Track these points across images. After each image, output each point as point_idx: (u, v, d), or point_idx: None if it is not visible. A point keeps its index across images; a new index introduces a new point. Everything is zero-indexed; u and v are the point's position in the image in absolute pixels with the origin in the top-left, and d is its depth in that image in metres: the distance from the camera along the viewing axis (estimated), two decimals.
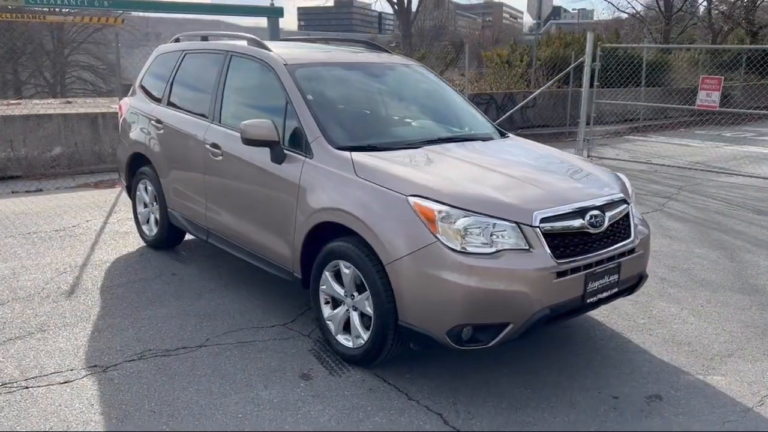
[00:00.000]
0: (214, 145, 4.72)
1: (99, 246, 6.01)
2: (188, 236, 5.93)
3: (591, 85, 11.09)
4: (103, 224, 6.75)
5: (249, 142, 4.13)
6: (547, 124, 15.06)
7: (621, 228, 3.80)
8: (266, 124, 4.08)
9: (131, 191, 6.10)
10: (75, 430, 3.18)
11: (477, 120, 4.97)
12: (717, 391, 3.68)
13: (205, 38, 5.60)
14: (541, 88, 13.02)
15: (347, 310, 3.84)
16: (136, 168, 5.92)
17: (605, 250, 3.62)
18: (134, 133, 5.84)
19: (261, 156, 4.27)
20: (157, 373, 3.72)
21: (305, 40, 5.92)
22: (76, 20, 13.63)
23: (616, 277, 3.71)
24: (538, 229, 3.36)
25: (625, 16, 33.55)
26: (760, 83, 19.82)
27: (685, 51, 22.64)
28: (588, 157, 11.02)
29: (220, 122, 4.82)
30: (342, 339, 3.88)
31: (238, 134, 4.42)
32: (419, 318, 3.39)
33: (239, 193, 4.55)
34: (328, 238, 3.94)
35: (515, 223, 3.34)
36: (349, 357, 3.83)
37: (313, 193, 3.93)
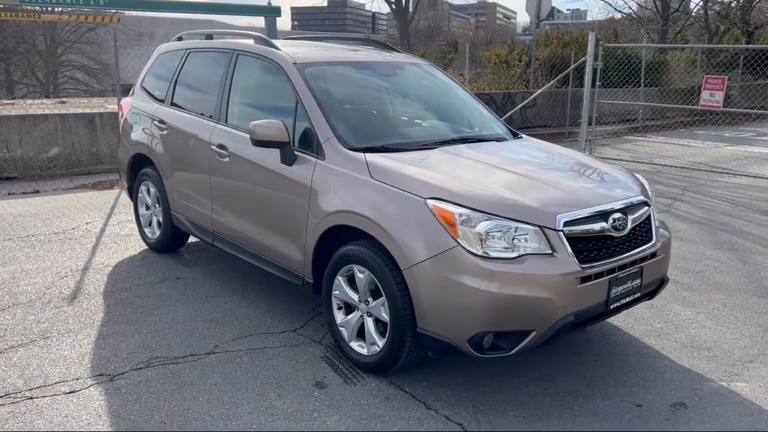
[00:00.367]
0: (221, 146, 4.60)
1: (100, 249, 5.88)
2: (191, 239, 5.81)
3: (593, 85, 11.02)
4: (103, 226, 6.61)
5: (258, 143, 4.01)
6: (547, 124, 14.97)
7: (643, 231, 3.70)
8: (276, 125, 3.96)
9: (132, 193, 5.97)
10: None
11: (489, 120, 4.87)
12: (742, 398, 3.58)
13: (209, 37, 5.47)
14: (543, 88, 12.94)
15: (361, 316, 3.73)
16: (138, 169, 5.79)
17: (628, 253, 3.53)
18: (136, 134, 5.71)
19: (270, 157, 4.16)
20: (166, 381, 3.60)
21: (311, 38, 5.79)
22: (72, 19, 13.44)
23: (638, 281, 3.61)
24: (561, 232, 3.26)
25: (619, 16, 33.63)
26: (757, 83, 19.83)
27: (682, 51, 22.64)
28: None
29: (226, 123, 4.70)
30: (356, 346, 3.77)
31: (246, 135, 4.32)
32: (439, 325, 3.28)
33: (247, 195, 4.43)
34: (341, 242, 3.83)
35: (538, 226, 3.24)
36: (364, 364, 3.72)
37: (325, 195, 3.81)
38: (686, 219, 7.43)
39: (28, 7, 13.22)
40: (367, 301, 3.65)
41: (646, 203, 3.81)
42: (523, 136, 4.77)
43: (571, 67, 12.12)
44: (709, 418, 3.39)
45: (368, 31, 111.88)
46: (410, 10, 28.60)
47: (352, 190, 3.68)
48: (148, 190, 5.70)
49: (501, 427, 3.25)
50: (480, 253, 3.16)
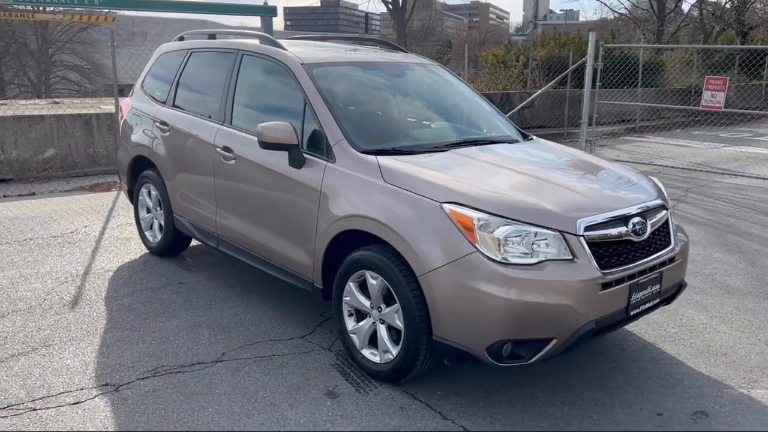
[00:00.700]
0: (226, 149, 4.49)
1: (100, 253, 5.76)
2: (193, 242, 5.70)
3: (593, 86, 10.95)
4: (102, 230, 6.49)
5: (266, 145, 3.91)
6: (545, 125, 14.91)
7: (661, 235, 3.62)
8: (285, 127, 3.86)
9: (133, 196, 5.86)
10: None
11: (499, 121, 4.78)
12: (763, 405, 3.51)
13: (212, 37, 5.36)
14: (543, 88, 12.88)
15: (373, 323, 3.63)
16: (139, 172, 5.68)
17: (648, 258, 3.45)
18: (137, 136, 5.60)
19: (277, 160, 4.06)
20: (174, 391, 3.49)
21: (314, 38, 5.68)
22: (66, 18, 13.28)
23: (658, 287, 3.53)
24: (582, 238, 3.17)
25: (611, 17, 33.68)
26: (752, 83, 19.85)
27: (676, 51, 22.65)
28: None
29: (231, 124, 4.59)
30: (368, 354, 3.68)
31: (252, 137, 4.24)
32: (456, 333, 3.19)
33: (254, 198, 4.33)
34: (351, 247, 3.74)
35: (558, 231, 3.15)
36: (376, 373, 3.62)
37: (336, 199, 3.72)
38: (691, 221, 7.37)
39: (20, 7, 13.06)
40: (380, 307, 3.55)
41: (663, 207, 3.73)
42: (533, 137, 4.69)
43: (572, 67, 12.06)
44: (731, 426, 3.31)
45: (361, 31, 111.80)
46: (407, 10, 28.51)
47: (364, 193, 3.58)
48: (149, 192, 5.58)
49: None
50: (499, 259, 3.07)
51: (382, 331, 3.57)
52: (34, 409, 3.29)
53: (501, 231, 3.11)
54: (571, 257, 3.15)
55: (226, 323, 4.35)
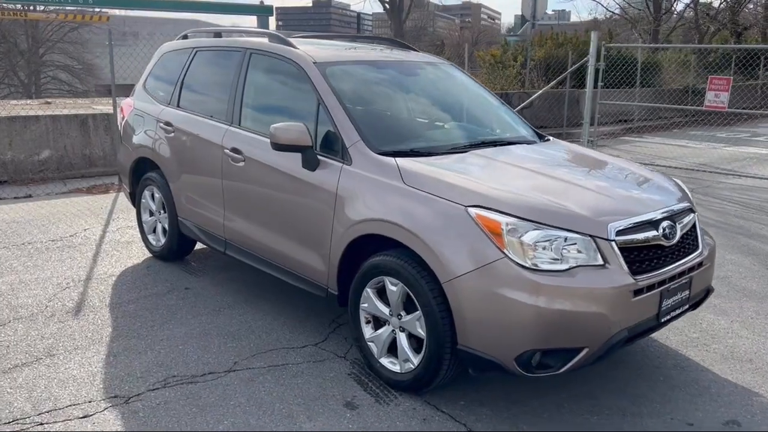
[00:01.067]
0: (235, 150, 4.35)
1: (101, 257, 5.60)
2: (197, 246, 5.56)
3: (595, 86, 10.87)
4: (102, 233, 6.34)
5: (279, 147, 3.78)
6: (544, 125, 14.81)
7: (690, 239, 3.52)
8: (298, 128, 3.73)
9: (135, 198, 5.71)
10: None
11: (514, 122, 4.67)
12: None
13: (218, 35, 5.22)
14: (544, 89, 12.78)
15: (393, 330, 3.50)
16: (141, 174, 5.52)
17: (677, 263, 3.34)
18: (139, 137, 5.45)
19: (290, 162, 3.93)
20: (186, 403, 3.35)
21: (323, 37, 5.54)
22: (60, 17, 13.09)
23: (687, 293, 3.42)
24: (614, 242, 3.06)
25: (602, 17, 33.74)
26: (748, 83, 19.85)
27: (673, 51, 22.64)
28: None
29: (239, 125, 4.45)
30: (387, 362, 3.55)
31: (263, 138, 4.12)
32: (483, 342, 3.06)
33: (264, 201, 4.19)
34: (368, 252, 3.62)
35: (589, 236, 3.03)
36: (396, 383, 3.49)
37: (353, 202, 3.59)
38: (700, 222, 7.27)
39: (10, 6, 12.86)
40: (400, 315, 3.43)
41: (691, 209, 3.63)
42: (550, 138, 4.57)
43: (574, 67, 11.97)
44: None
45: (353, 31, 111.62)
46: (404, 9, 28.36)
47: (384, 197, 3.46)
48: (153, 195, 5.43)
49: None
50: (529, 265, 2.95)
51: (403, 340, 3.44)
52: (41, 423, 3.15)
53: (530, 236, 2.99)
54: (602, 263, 3.03)
55: (236, 330, 4.21)
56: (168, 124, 5.08)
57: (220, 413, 3.27)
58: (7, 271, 5.22)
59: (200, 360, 3.81)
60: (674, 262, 3.31)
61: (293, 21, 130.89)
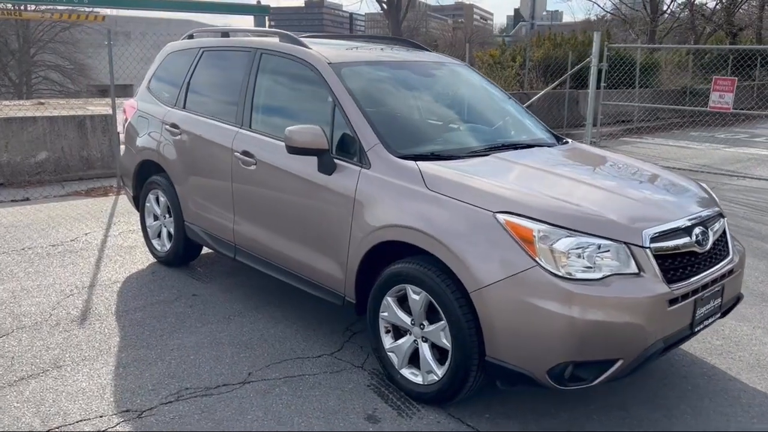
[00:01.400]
0: (246, 153, 4.22)
1: (104, 263, 5.46)
2: (203, 250, 5.42)
3: (597, 86, 10.79)
4: (104, 237, 6.19)
5: (294, 150, 3.65)
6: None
7: (721, 245, 3.41)
8: (314, 131, 3.60)
9: (138, 202, 5.56)
10: None
11: (531, 123, 4.56)
12: None
13: (225, 35, 5.09)
14: (547, 89, 12.69)
15: (415, 341, 3.38)
16: (146, 177, 5.38)
17: (710, 270, 3.23)
18: (143, 139, 5.31)
19: (304, 166, 3.81)
20: (201, 417, 3.22)
21: (331, 37, 5.40)
22: (55, 17, 12.90)
23: (719, 301, 3.32)
24: (648, 250, 2.95)
25: (594, 18, 33.84)
26: (745, 84, 19.84)
27: (669, 52, 22.62)
28: None
29: (250, 128, 4.32)
30: (408, 374, 3.43)
31: (275, 141, 4.01)
32: (514, 354, 2.95)
33: (277, 206, 4.07)
34: (387, 259, 3.50)
35: (624, 243, 2.92)
36: (418, 395, 3.37)
37: (373, 208, 3.46)
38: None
39: (1, 5, 12.66)
40: (423, 324, 3.30)
41: (720, 215, 3.53)
42: (568, 140, 4.46)
43: (576, 67, 11.89)
44: None
45: (346, 31, 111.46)
46: (402, 9, 28.20)
47: (406, 202, 3.33)
48: (158, 199, 5.29)
49: None
50: (562, 273, 2.83)
51: (425, 350, 3.32)
52: None
53: (563, 243, 2.87)
54: (637, 271, 2.92)
55: (248, 339, 4.08)
56: (174, 126, 4.94)
57: (238, 429, 3.14)
58: (8, 277, 5.07)
59: (213, 371, 3.68)
60: (707, 270, 3.21)
61: (285, 21, 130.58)
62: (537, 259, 2.86)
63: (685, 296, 3.04)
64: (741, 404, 3.48)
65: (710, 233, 3.28)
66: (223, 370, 3.70)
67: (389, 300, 3.44)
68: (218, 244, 4.68)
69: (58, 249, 5.79)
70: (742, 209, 8.05)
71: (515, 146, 4.00)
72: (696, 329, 3.18)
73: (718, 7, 26.60)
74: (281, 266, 4.15)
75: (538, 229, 2.89)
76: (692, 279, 3.09)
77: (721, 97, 9.82)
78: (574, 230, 2.90)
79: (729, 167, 11.16)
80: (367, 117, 3.68)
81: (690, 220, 3.21)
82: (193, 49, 5.11)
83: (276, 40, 4.45)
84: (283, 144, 3.86)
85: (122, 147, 5.86)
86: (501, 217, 2.98)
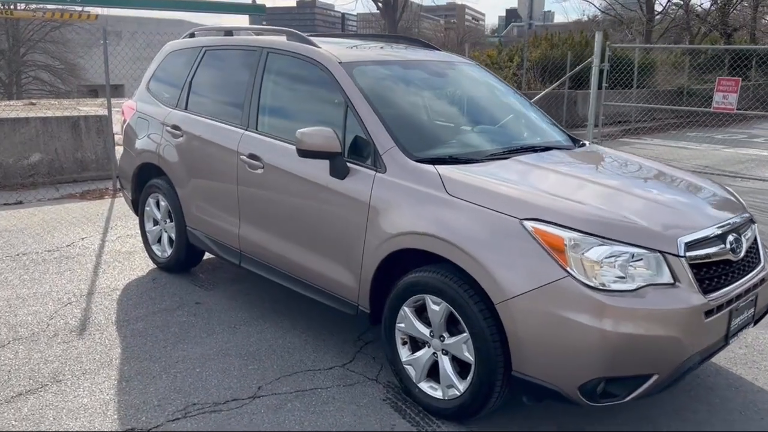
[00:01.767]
0: (253, 156, 4.06)
1: (102, 269, 5.27)
2: (206, 256, 5.25)
3: (599, 87, 10.67)
4: (101, 242, 6.00)
5: (306, 153, 3.49)
6: None
7: (753, 253, 3.27)
8: (327, 133, 3.45)
9: (137, 206, 5.38)
10: None
11: (547, 125, 4.42)
12: None
13: (229, 33, 4.92)
14: (548, 89, 12.57)
15: (434, 353, 3.22)
16: (145, 180, 5.20)
17: (744, 279, 3.09)
18: (143, 141, 5.13)
19: (315, 169, 3.65)
20: None
21: (336, 36, 5.24)
22: (47, 16, 12.67)
23: (752, 311, 3.19)
24: (684, 259, 2.80)
25: (586, 19, 33.86)
26: (743, 84, 19.78)
27: (663, 52, 22.58)
28: None
29: (256, 130, 4.16)
30: (427, 388, 3.27)
31: (284, 144, 3.86)
32: (542, 369, 2.80)
33: (286, 211, 3.90)
34: (403, 267, 3.35)
35: (659, 252, 2.77)
36: (438, 410, 3.21)
37: (389, 214, 3.31)
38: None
39: None
40: (442, 336, 3.15)
41: (751, 220, 3.39)
42: (585, 142, 4.32)
43: (578, 68, 11.76)
44: None
45: (337, 31, 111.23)
46: (398, 9, 28.07)
47: (425, 208, 3.18)
48: (158, 203, 5.12)
49: None
50: (596, 285, 2.69)
51: (446, 364, 3.17)
52: None
53: (595, 252, 2.72)
54: (672, 281, 2.77)
55: (256, 350, 3.92)
56: (176, 127, 4.77)
57: None
58: (2, 285, 4.88)
59: (221, 385, 3.52)
60: (741, 278, 3.07)
61: (278, 21, 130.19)
62: (568, 269, 2.71)
63: (720, 307, 2.90)
64: None
65: (743, 240, 3.14)
66: (232, 383, 3.53)
67: (406, 310, 3.29)
68: (222, 251, 4.51)
69: (54, 255, 5.60)
70: (750, 212, 7.92)
71: (533, 149, 3.85)
72: (730, 341, 3.04)
73: (713, 8, 26.61)
74: (290, 274, 3.99)
75: (570, 237, 2.74)
76: (727, 288, 2.95)
77: (725, 97, 9.72)
78: (607, 238, 2.75)
79: (731, 168, 11.07)
80: (382, 119, 3.52)
81: (722, 226, 3.07)
82: (195, 48, 4.93)
83: (283, 38, 4.29)
84: (291, 147, 3.73)
85: (119, 148, 5.68)
86: (528, 224, 2.83)
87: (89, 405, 3.28)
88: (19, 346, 3.91)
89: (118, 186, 7.36)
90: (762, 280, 3.26)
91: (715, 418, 3.32)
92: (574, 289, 2.69)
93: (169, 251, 5.10)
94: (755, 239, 3.35)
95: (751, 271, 3.16)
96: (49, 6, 12.92)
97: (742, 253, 3.09)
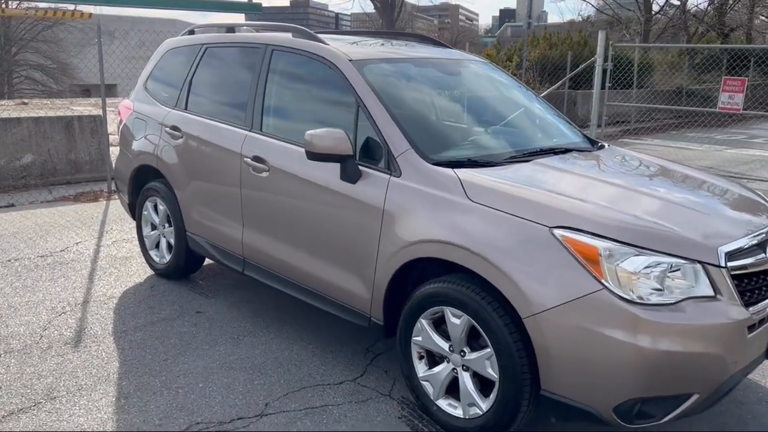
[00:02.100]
0: (257, 159, 3.86)
1: (98, 276, 5.06)
2: (206, 261, 5.05)
3: (602, 87, 10.51)
4: (96, 247, 5.78)
5: (315, 156, 3.30)
6: None
7: None
8: (338, 135, 3.25)
9: (134, 210, 5.17)
10: None
11: (564, 126, 4.22)
12: None
13: (231, 30, 4.71)
14: (550, 89, 12.40)
15: (453, 369, 3.03)
16: (143, 183, 4.99)
17: None
18: (140, 143, 4.92)
19: (325, 173, 3.46)
20: None
21: (342, 33, 5.04)
22: (39, 14, 12.42)
23: None
24: (725, 269, 2.62)
25: (579, 19, 33.80)
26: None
27: (660, 52, 22.47)
28: None
29: (261, 131, 3.96)
30: (445, 405, 3.08)
31: (292, 146, 3.68)
32: (574, 389, 2.61)
33: (294, 217, 3.70)
34: (420, 276, 3.16)
35: (699, 262, 2.59)
36: (457, 429, 3.02)
37: (405, 220, 3.11)
38: None
39: None
40: (463, 351, 2.96)
41: None
42: (604, 143, 4.13)
43: (580, 67, 11.60)
44: None
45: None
46: (395, 8, 27.90)
47: (444, 215, 2.99)
48: (156, 207, 4.91)
49: None
50: (633, 298, 2.50)
51: (467, 380, 2.97)
52: None
53: (632, 263, 2.54)
54: (713, 294, 2.59)
55: (261, 363, 3.72)
56: (175, 128, 4.56)
57: None
58: None
59: (226, 401, 3.31)
60: None
61: (271, 21, 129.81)
62: (603, 281, 2.53)
63: (762, 321, 2.72)
64: None
65: None
66: (237, 400, 3.33)
67: (423, 323, 3.10)
68: (224, 257, 4.31)
69: (47, 260, 5.38)
70: None
71: (553, 151, 3.66)
72: None
73: (710, 9, 26.56)
74: (296, 282, 3.80)
75: (605, 246, 2.55)
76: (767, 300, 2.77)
77: (731, 97, 9.57)
78: (644, 248, 2.57)
79: (735, 169, 10.92)
80: (396, 119, 3.33)
81: (759, 234, 2.88)
82: (195, 45, 4.73)
83: (288, 35, 4.09)
84: (299, 149, 3.55)
85: (113, 149, 5.46)
86: (559, 232, 2.64)
87: (86, 425, 3.08)
88: (10, 359, 3.70)
89: (114, 188, 7.15)
90: None
91: None
92: (610, 302, 2.50)
93: (167, 257, 4.90)
94: None
95: None
96: (41, 4, 12.67)
97: None
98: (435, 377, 3.10)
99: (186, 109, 4.60)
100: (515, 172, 3.19)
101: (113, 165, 5.92)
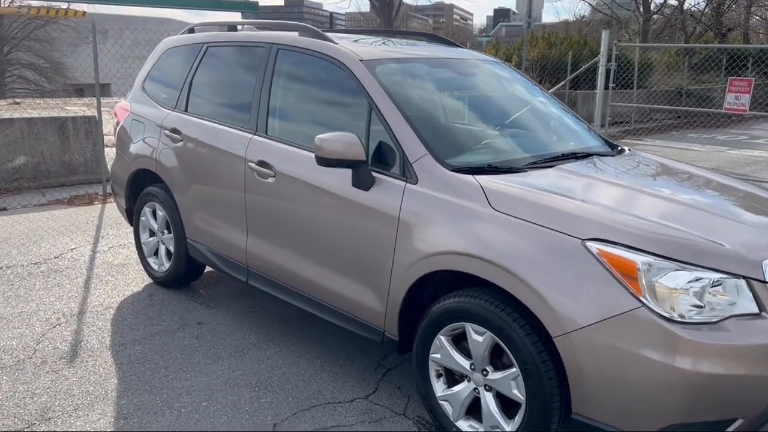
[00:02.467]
0: (262, 164, 3.67)
1: (94, 284, 4.85)
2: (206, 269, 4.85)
3: (606, 87, 10.35)
4: (91, 254, 5.57)
5: (326, 162, 3.12)
6: None
7: None
8: (350, 139, 3.07)
9: (132, 215, 4.97)
10: None
11: (582, 129, 4.05)
12: None
13: (233, 28, 4.52)
14: (552, 89, 12.23)
15: (475, 389, 2.86)
16: (141, 187, 4.79)
17: None
18: (138, 146, 4.72)
19: (335, 179, 3.27)
20: None
21: (348, 32, 4.84)
22: (32, 13, 12.19)
23: None
24: None
25: (573, 19, 33.77)
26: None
27: (658, 52, 22.37)
28: None
29: (266, 134, 3.77)
30: (466, 427, 2.90)
31: (299, 150, 3.51)
32: (611, 414, 2.44)
33: (302, 225, 3.52)
34: (437, 289, 2.99)
35: (743, 278, 2.42)
36: None
37: (423, 230, 2.93)
38: None
39: None
40: (486, 370, 2.78)
41: None
42: (624, 147, 3.96)
43: (584, 66, 11.45)
44: None
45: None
46: (394, 7, 27.69)
47: (465, 224, 2.81)
48: (154, 212, 4.71)
49: None
50: (673, 316, 2.33)
51: (490, 401, 2.80)
52: None
53: (672, 279, 2.36)
54: (758, 311, 2.42)
55: (267, 379, 3.53)
56: (175, 131, 4.37)
57: None
58: None
59: (232, 421, 3.13)
60: None
61: (265, 20, 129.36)
62: (642, 298, 2.35)
63: None
64: None
65: None
66: (243, 420, 3.14)
67: (442, 339, 2.92)
68: (227, 266, 4.12)
69: (40, 268, 5.17)
70: None
71: (575, 155, 3.48)
72: None
73: (707, 9, 26.50)
74: (304, 293, 3.61)
75: (643, 261, 2.38)
76: None
77: (737, 98, 9.41)
78: (685, 263, 2.39)
79: (739, 171, 10.78)
80: (411, 123, 3.15)
81: None
82: (196, 44, 4.53)
83: (295, 34, 3.90)
84: (307, 154, 3.38)
85: (108, 150, 5.26)
86: (592, 245, 2.47)
87: None
88: (2, 376, 3.50)
89: (109, 191, 6.96)
90: None
91: None
92: (649, 321, 2.33)
93: (167, 265, 4.70)
94: None
95: None
96: (34, 2, 12.44)
97: None
98: (455, 397, 2.92)
99: (186, 110, 4.41)
100: (539, 178, 3.01)
101: (108, 167, 5.71)
